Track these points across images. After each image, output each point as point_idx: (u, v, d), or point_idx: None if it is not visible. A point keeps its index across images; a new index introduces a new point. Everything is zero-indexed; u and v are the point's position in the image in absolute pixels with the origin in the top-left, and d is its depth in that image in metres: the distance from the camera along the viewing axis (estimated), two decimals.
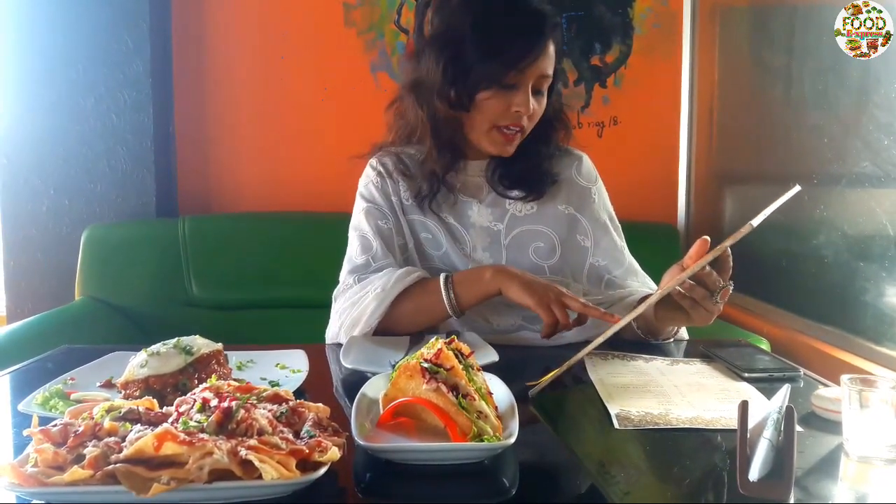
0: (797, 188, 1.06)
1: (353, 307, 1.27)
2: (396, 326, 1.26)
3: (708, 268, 1.07)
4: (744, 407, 0.76)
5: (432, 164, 1.33)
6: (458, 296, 1.24)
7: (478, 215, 1.37)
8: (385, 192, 1.38)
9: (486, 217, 1.37)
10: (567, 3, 2.42)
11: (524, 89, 1.25)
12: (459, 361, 0.81)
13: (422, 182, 1.35)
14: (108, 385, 0.97)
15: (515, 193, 1.36)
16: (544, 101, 1.30)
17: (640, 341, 1.25)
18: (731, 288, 1.10)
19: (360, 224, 1.37)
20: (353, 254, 1.36)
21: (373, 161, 1.42)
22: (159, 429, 0.65)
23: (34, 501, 0.65)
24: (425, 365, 0.79)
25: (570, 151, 1.43)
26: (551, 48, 1.26)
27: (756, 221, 0.94)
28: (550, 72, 1.28)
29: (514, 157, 1.34)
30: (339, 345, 1.23)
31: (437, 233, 1.36)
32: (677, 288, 1.07)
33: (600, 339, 1.03)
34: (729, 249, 1.09)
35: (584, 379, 1.04)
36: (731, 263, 1.10)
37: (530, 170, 1.35)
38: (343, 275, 1.35)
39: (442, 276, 1.25)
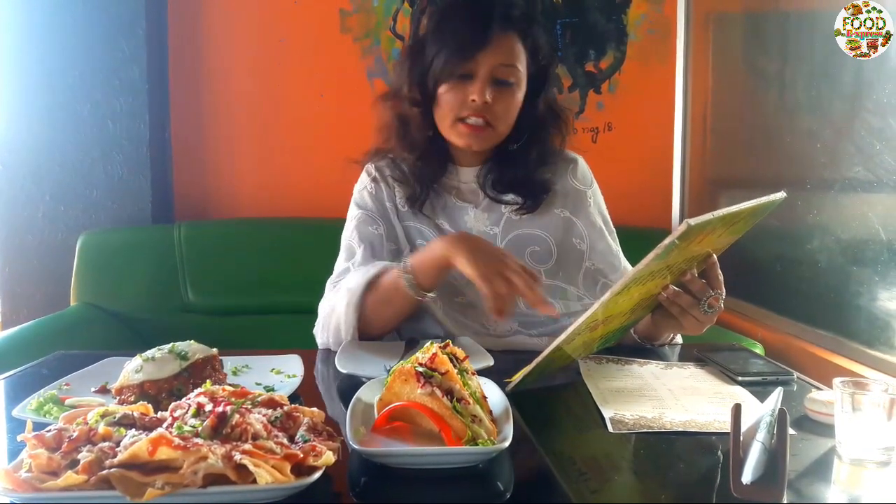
0: (782, 194, 1.06)
1: (331, 314, 1.27)
2: (372, 323, 1.25)
3: (692, 275, 1.07)
4: (737, 410, 0.77)
5: (418, 171, 1.35)
6: (415, 274, 1.21)
7: (474, 220, 1.38)
8: (378, 198, 1.39)
9: (483, 222, 1.37)
10: (561, 10, 2.43)
11: (479, 79, 1.26)
12: (454, 366, 0.82)
13: (414, 185, 1.36)
14: (103, 390, 0.97)
15: (510, 198, 1.37)
16: (514, 93, 1.30)
17: (635, 345, 1.26)
18: (723, 298, 1.09)
19: (348, 231, 1.39)
20: (338, 262, 1.37)
21: (369, 167, 1.43)
22: (154, 433, 0.65)
23: None
24: (420, 369, 0.80)
25: (566, 155, 1.43)
26: (513, 38, 1.28)
27: (693, 221, 0.91)
28: (514, 62, 1.28)
29: (506, 162, 1.35)
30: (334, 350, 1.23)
31: (432, 238, 1.36)
32: (663, 293, 1.07)
33: (570, 330, 0.99)
34: (715, 257, 1.09)
35: (579, 382, 1.05)
36: (719, 272, 1.10)
37: (523, 176, 1.36)
38: (327, 284, 1.36)
39: (402, 261, 1.24)
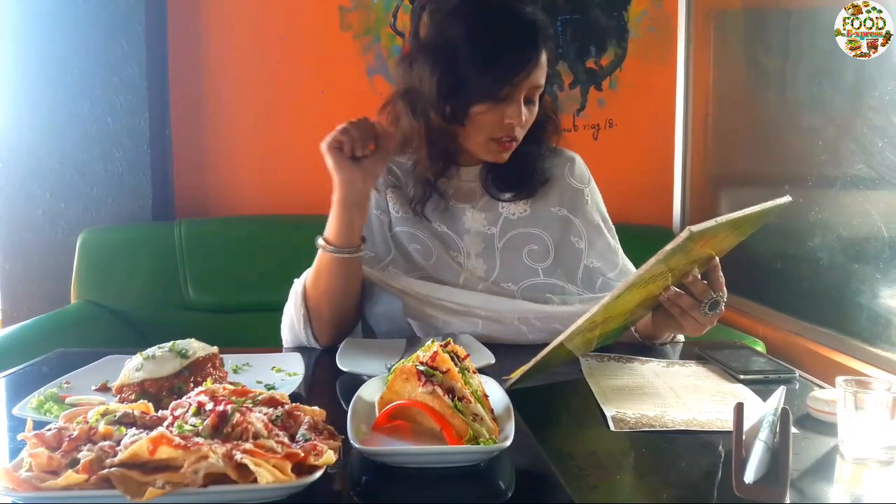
0: (787, 198, 1.06)
1: (286, 311, 1.30)
2: (321, 308, 1.26)
3: (694, 276, 1.07)
4: (739, 409, 0.77)
5: (425, 170, 1.33)
6: (327, 234, 1.24)
7: (472, 220, 1.37)
8: None
9: (480, 222, 1.37)
10: (562, 7, 2.43)
11: (517, 101, 1.24)
12: (455, 364, 0.81)
13: (414, 188, 1.35)
14: (104, 389, 0.97)
15: (508, 196, 1.37)
16: (536, 108, 1.30)
17: (636, 344, 1.26)
18: (724, 300, 1.09)
19: None
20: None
21: None
22: (154, 432, 0.65)
23: None
24: (421, 368, 0.79)
25: (562, 153, 1.43)
26: (544, 58, 1.25)
27: (695, 228, 0.91)
28: (542, 82, 1.27)
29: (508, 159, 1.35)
30: (335, 348, 1.23)
31: (428, 243, 1.36)
32: (664, 294, 1.07)
33: (570, 331, 0.99)
34: (717, 259, 1.09)
35: (580, 381, 1.04)
36: (720, 274, 1.09)
37: (523, 171, 1.35)
38: None
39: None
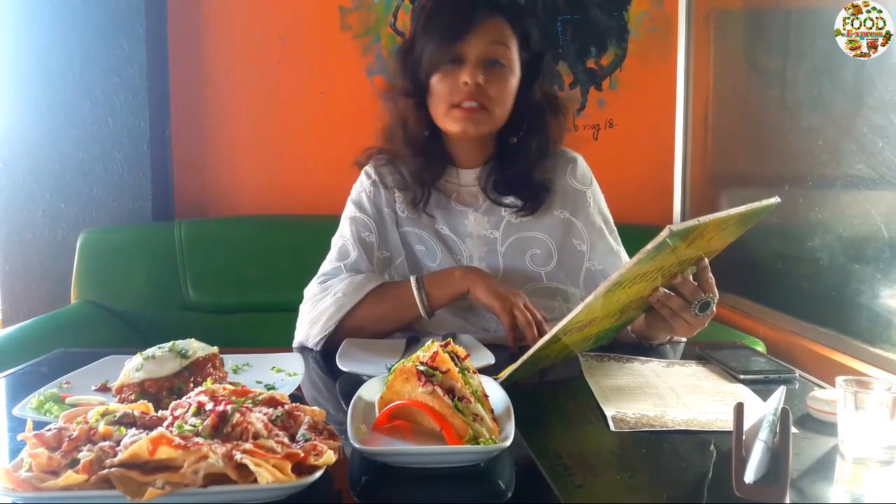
0: (776, 199, 1.06)
1: (313, 308, 1.28)
2: (362, 331, 1.25)
3: (683, 277, 1.07)
4: (739, 409, 0.77)
5: (419, 171, 1.34)
6: (429, 295, 1.25)
7: (474, 224, 1.37)
8: (376, 202, 1.38)
9: (483, 225, 1.37)
10: (563, 7, 2.43)
11: (468, 62, 1.26)
12: (455, 364, 0.81)
13: (415, 188, 1.35)
14: (104, 389, 0.97)
15: (510, 200, 1.36)
16: (506, 75, 1.29)
17: (635, 343, 1.26)
18: (715, 301, 1.08)
19: (343, 231, 1.38)
20: (329, 259, 1.37)
21: (369, 169, 1.42)
22: (154, 433, 0.65)
23: None
24: (421, 368, 0.79)
25: (565, 154, 1.43)
26: (501, 22, 1.28)
27: (675, 227, 0.91)
28: (503, 41, 1.28)
29: (506, 160, 1.34)
30: (335, 348, 1.23)
31: (432, 244, 1.36)
32: (653, 296, 1.06)
33: (556, 329, 0.99)
34: (706, 260, 1.08)
35: (580, 381, 1.04)
36: (710, 275, 1.09)
37: (524, 174, 1.35)
38: (312, 281, 1.35)
39: (413, 278, 1.27)
